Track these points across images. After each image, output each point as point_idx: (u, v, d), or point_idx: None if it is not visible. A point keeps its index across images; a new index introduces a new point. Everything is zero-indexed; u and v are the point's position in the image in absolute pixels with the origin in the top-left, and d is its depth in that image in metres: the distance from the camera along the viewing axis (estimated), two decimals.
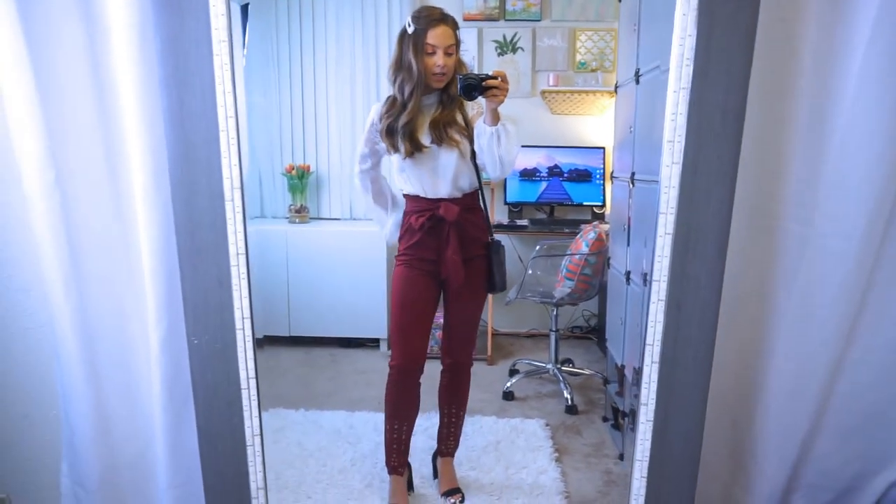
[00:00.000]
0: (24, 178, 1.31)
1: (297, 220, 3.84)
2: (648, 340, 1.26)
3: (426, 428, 2.61)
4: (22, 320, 1.52)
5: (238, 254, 1.23)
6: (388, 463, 2.18)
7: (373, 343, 3.79)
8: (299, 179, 3.86)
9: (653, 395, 1.27)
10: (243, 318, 1.25)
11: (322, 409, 2.90)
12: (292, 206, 3.88)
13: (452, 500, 2.12)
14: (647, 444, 1.29)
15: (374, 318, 3.70)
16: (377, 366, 3.52)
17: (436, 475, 2.28)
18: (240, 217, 1.22)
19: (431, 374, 2.20)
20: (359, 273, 3.67)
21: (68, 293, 1.35)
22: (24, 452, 1.63)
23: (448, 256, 1.97)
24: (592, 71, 3.78)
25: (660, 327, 1.25)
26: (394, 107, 1.95)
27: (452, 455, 2.25)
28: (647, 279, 1.37)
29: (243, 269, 1.24)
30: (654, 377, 1.27)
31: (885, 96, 1.26)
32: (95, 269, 1.37)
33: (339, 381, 3.30)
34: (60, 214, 1.32)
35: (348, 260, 3.67)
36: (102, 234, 1.36)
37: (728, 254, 1.26)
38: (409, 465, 2.24)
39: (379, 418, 2.73)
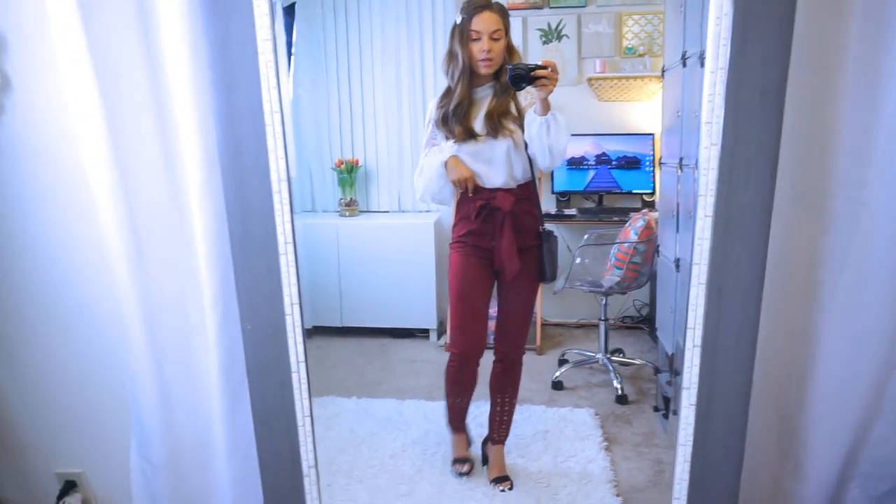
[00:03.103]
0: (90, 176, 1.42)
1: (346, 214, 3.94)
2: (689, 324, 1.26)
3: (476, 416, 2.65)
4: (92, 308, 1.65)
5: (286, 243, 1.30)
6: (450, 423, 2.36)
7: (422, 333, 3.85)
8: (348, 173, 3.94)
9: (695, 379, 1.26)
10: (292, 304, 1.32)
11: (373, 397, 2.98)
12: (342, 200, 3.97)
13: (501, 488, 2.16)
14: (691, 429, 1.29)
15: (423, 308, 3.76)
16: (426, 355, 3.58)
17: (485, 462, 2.31)
18: (287, 208, 1.28)
19: (484, 364, 2.24)
20: (408, 264, 3.73)
21: (133, 281, 1.44)
22: (97, 432, 1.76)
23: (503, 247, 2.00)
24: (640, 56, 3.70)
25: (701, 311, 1.24)
26: (447, 96, 2.02)
27: (503, 442, 2.29)
28: (689, 263, 1.36)
29: (291, 258, 1.30)
30: (696, 361, 1.26)
31: None
32: (156, 258, 1.46)
33: (389, 371, 3.38)
34: (125, 208, 1.41)
35: (397, 251, 3.74)
36: (162, 226, 1.45)
37: (772, 235, 1.24)
38: (466, 426, 2.41)
39: (428, 406, 2.82)
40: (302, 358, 1.34)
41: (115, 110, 1.36)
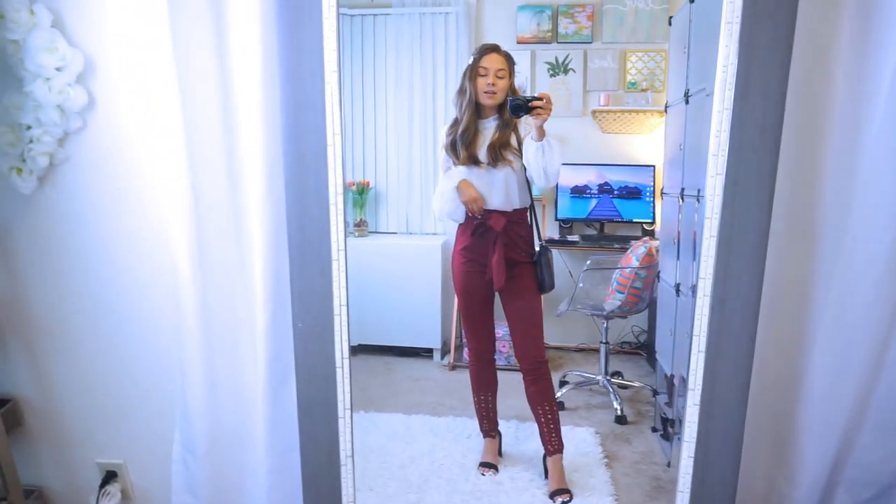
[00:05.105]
0: (162, 182, 1.56)
1: (356, 234, 4.05)
2: (695, 332, 1.41)
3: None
4: (145, 306, 1.77)
5: (339, 249, 1.45)
6: (480, 428, 2.59)
7: (426, 352, 3.94)
8: (359, 195, 4.07)
9: (699, 382, 1.41)
10: (340, 306, 1.47)
11: (380, 411, 3.06)
12: (352, 221, 4.10)
13: (560, 500, 2.25)
14: (695, 427, 1.43)
15: (428, 328, 3.85)
16: (431, 374, 3.67)
17: (547, 475, 2.41)
18: (341, 218, 1.44)
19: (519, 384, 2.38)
20: (414, 285, 3.83)
21: (195, 280, 1.57)
22: (139, 425, 1.86)
23: (494, 261, 2.24)
24: (643, 91, 3.89)
25: (705, 320, 1.40)
26: (455, 126, 2.28)
27: (560, 452, 2.40)
28: (694, 287, 1.51)
29: (342, 263, 1.45)
30: (701, 365, 1.41)
31: None
32: (214, 260, 1.59)
33: (395, 387, 3.47)
34: (192, 213, 1.55)
35: (405, 272, 3.84)
36: (221, 231, 1.58)
37: (769, 257, 1.40)
38: (499, 433, 2.62)
39: (434, 422, 2.92)
40: (346, 354, 1.47)
41: (192, 124, 1.50)
